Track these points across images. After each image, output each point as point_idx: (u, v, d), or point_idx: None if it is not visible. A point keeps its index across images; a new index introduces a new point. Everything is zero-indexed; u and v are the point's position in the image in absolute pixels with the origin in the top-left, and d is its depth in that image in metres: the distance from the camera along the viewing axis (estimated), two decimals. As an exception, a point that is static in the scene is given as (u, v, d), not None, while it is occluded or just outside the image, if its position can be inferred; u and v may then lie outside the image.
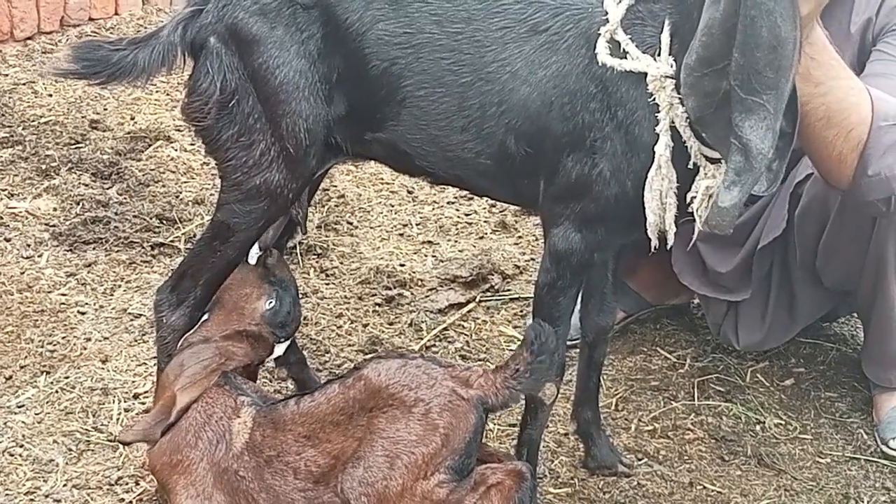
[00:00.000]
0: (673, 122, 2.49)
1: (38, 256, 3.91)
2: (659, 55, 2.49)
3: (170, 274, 2.94)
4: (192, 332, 2.88)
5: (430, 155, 2.78)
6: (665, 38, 2.49)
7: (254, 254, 2.94)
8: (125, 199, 4.30)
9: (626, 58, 2.52)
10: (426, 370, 2.58)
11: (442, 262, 4.14)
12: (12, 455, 2.99)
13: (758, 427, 3.36)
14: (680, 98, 2.44)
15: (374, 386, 2.56)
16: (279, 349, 2.98)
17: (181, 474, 2.66)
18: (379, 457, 2.50)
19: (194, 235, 4.02)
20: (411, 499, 2.48)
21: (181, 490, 2.65)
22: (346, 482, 2.52)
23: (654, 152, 2.51)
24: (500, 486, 2.50)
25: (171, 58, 2.74)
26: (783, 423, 3.40)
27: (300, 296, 3.53)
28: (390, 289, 3.92)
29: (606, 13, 2.56)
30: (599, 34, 2.55)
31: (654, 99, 2.50)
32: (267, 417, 2.67)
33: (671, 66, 2.46)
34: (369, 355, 3.39)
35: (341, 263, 4.08)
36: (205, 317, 2.91)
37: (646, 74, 2.50)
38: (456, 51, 2.67)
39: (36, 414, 3.15)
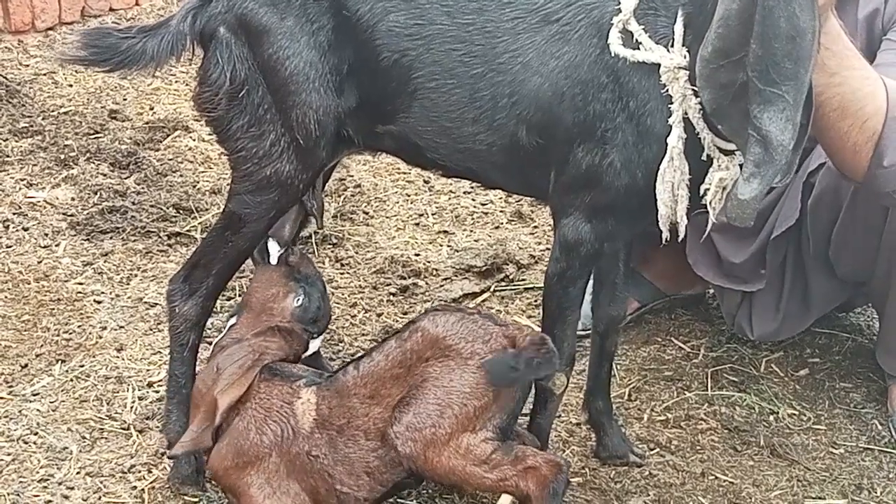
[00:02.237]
0: (686, 114, 2.48)
1: (56, 246, 3.94)
2: (672, 46, 2.49)
3: (182, 264, 2.96)
4: (221, 336, 2.91)
5: (441, 147, 2.78)
6: (678, 28, 2.48)
7: (274, 253, 2.94)
8: (143, 188, 4.32)
9: (639, 48, 2.51)
10: (483, 325, 2.64)
11: (457, 251, 4.14)
12: (27, 443, 3.01)
13: (771, 417, 3.36)
14: (693, 89, 2.44)
15: (432, 336, 2.62)
16: (314, 345, 3.00)
17: (252, 474, 2.67)
18: (430, 404, 2.56)
19: (210, 225, 4.03)
20: (456, 450, 2.53)
21: (256, 491, 2.66)
22: (395, 426, 2.57)
23: (666, 143, 2.50)
24: (538, 470, 2.55)
25: (181, 47, 2.75)
26: (797, 413, 3.39)
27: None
28: (405, 278, 3.92)
29: (619, 3, 2.55)
30: (612, 24, 2.54)
31: (666, 90, 2.49)
32: (330, 390, 2.71)
33: (684, 57, 2.46)
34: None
35: (356, 253, 4.09)
36: (232, 321, 2.92)
37: (659, 65, 2.49)
38: (467, 42, 2.67)
39: (51, 402, 3.18)
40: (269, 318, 2.91)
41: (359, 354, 2.87)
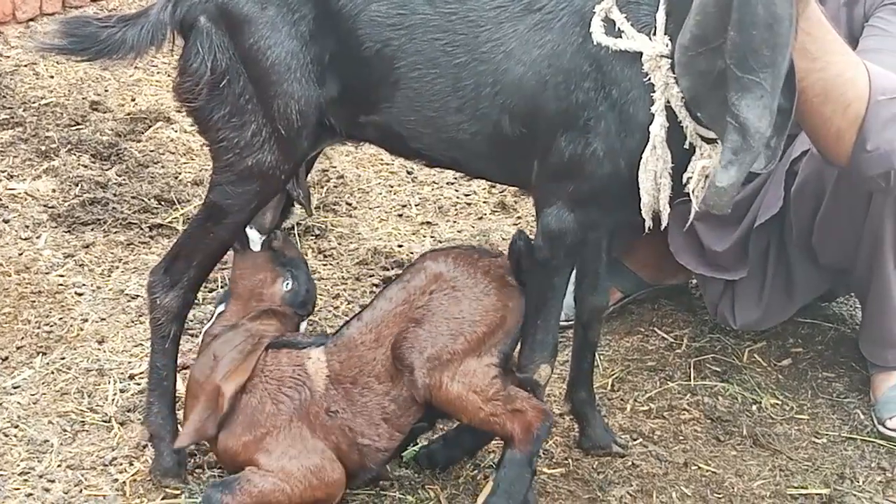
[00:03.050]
0: (668, 102, 2.48)
1: (37, 238, 3.92)
2: (654, 34, 2.48)
3: (163, 255, 2.94)
4: (210, 325, 2.89)
5: (424, 137, 2.77)
6: (660, 17, 2.48)
7: (256, 240, 2.93)
8: (124, 180, 4.30)
9: (621, 37, 2.51)
10: (481, 258, 2.79)
11: (440, 242, 4.14)
12: (7, 435, 3.00)
13: (754, 407, 3.36)
14: (676, 78, 2.43)
15: (435, 272, 2.75)
16: (302, 327, 3.02)
17: (273, 443, 2.68)
18: (444, 334, 2.66)
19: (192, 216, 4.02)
20: (464, 373, 2.64)
21: (279, 457, 2.67)
22: (417, 360, 2.64)
23: (648, 132, 2.50)
24: (524, 414, 2.66)
25: (161, 37, 2.73)
26: (780, 403, 3.39)
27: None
28: (388, 269, 3.92)
29: (601, -9, 2.55)
30: (594, 13, 2.54)
31: (649, 79, 2.49)
32: (337, 345, 2.77)
33: (666, 46, 2.46)
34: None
35: (339, 244, 4.08)
36: (220, 308, 2.91)
37: (641, 54, 2.49)
38: (450, 31, 2.65)
39: (31, 395, 3.16)
40: (260, 303, 2.91)
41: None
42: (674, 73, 2.42)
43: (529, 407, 2.66)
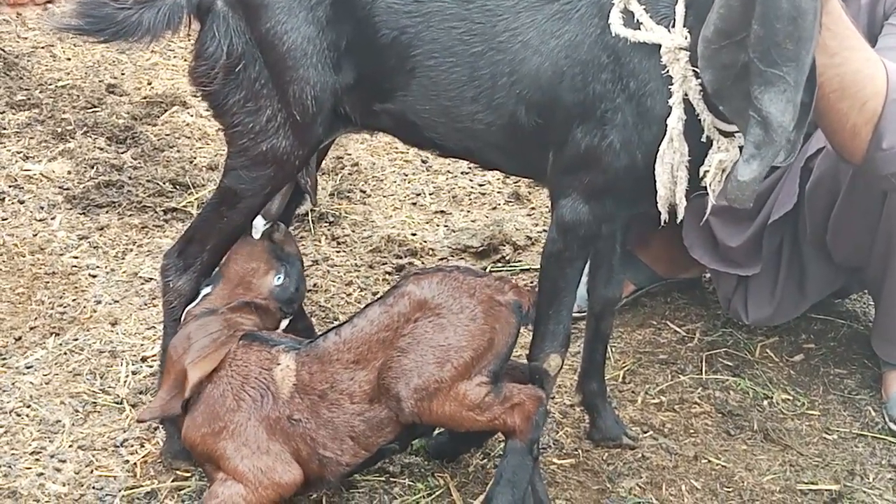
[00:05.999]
0: (686, 95, 2.47)
1: (52, 219, 3.93)
2: (673, 26, 2.47)
3: (177, 239, 2.94)
4: (194, 304, 2.88)
5: (439, 126, 2.77)
6: (680, 9, 2.47)
7: (259, 227, 2.92)
8: (139, 163, 4.31)
9: (639, 29, 2.50)
10: (465, 280, 2.72)
11: (454, 232, 4.14)
12: (19, 415, 3.01)
13: (765, 402, 3.35)
14: (694, 70, 2.43)
15: (419, 299, 2.68)
16: (284, 324, 2.98)
17: (228, 440, 2.66)
18: (431, 363, 2.61)
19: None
20: (454, 398, 2.61)
21: (233, 454, 2.65)
22: (402, 390, 2.61)
23: (665, 125, 2.49)
24: (522, 406, 2.64)
25: (177, 20, 2.73)
26: (791, 398, 3.39)
27: (311, 263, 3.54)
28: (401, 258, 3.92)
29: (620, -17, 2.54)
30: (613, 4, 2.53)
31: (667, 71, 2.48)
32: (310, 355, 2.72)
33: (685, 38, 2.45)
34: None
35: (353, 231, 4.08)
36: (206, 289, 2.90)
37: (659, 46, 2.48)
38: (467, 20, 2.65)
39: (44, 375, 3.17)
40: (246, 292, 2.89)
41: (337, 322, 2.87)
42: (692, 66, 2.41)
43: (526, 397, 2.65)
